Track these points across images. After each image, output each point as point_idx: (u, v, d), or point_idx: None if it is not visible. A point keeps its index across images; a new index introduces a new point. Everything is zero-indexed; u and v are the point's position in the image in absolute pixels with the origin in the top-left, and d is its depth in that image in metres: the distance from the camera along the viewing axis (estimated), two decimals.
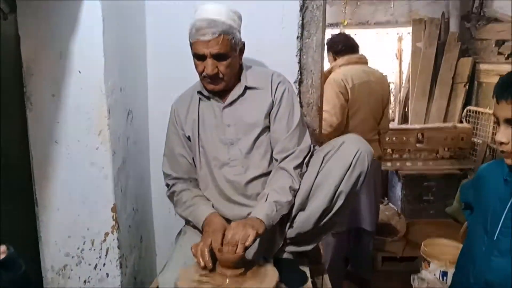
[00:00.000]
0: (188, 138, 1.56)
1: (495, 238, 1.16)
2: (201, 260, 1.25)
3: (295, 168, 1.45)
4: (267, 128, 1.52)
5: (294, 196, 1.44)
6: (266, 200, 1.38)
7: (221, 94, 1.51)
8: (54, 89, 1.48)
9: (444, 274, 2.61)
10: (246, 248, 1.25)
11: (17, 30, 1.46)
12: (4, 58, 1.45)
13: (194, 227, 1.52)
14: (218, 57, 1.39)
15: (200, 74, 1.45)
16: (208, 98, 1.53)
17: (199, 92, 1.54)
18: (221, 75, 1.43)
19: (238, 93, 1.50)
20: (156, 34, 1.83)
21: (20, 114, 1.51)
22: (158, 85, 1.87)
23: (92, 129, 1.51)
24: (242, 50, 1.49)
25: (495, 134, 3.34)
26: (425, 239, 2.85)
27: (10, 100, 1.49)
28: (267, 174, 1.51)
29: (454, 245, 2.80)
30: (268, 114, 1.50)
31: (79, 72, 1.47)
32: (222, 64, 1.41)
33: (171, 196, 1.60)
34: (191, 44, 1.42)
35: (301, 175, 1.47)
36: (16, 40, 1.47)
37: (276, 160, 1.50)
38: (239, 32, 1.46)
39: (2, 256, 0.83)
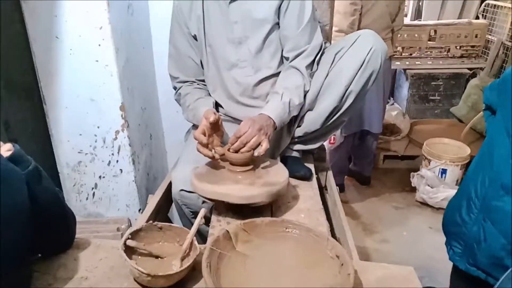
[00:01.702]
0: (194, 37, 1.46)
1: None
2: (205, 153, 1.23)
3: (307, 67, 1.40)
4: (277, 25, 1.42)
5: (305, 97, 1.41)
6: (281, 99, 1.33)
7: None
8: None
9: (443, 171, 2.71)
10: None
11: None
12: None
13: None
14: None
15: None
16: None
17: None
18: None
19: None
20: None
21: (16, 6, 1.41)
22: None
23: (93, 24, 1.43)
24: None
25: None
26: (427, 138, 2.90)
27: None
28: (276, 74, 1.46)
29: (455, 144, 2.86)
30: (278, 8, 1.39)
31: None
32: None
33: (178, 99, 1.55)
34: None
35: (312, 75, 1.42)
36: None
37: (287, 58, 1.43)
38: None
39: (9, 153, 0.83)
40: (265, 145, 1.20)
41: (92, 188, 1.69)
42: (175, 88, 1.55)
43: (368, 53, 1.34)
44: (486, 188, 1.22)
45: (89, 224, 1.65)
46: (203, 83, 1.54)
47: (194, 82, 1.52)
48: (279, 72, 1.45)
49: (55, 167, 1.65)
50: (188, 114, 1.48)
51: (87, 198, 1.71)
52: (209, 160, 1.27)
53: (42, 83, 1.52)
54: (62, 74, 1.51)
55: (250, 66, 1.43)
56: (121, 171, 1.66)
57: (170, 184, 1.45)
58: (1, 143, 0.85)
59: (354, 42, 1.38)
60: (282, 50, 1.45)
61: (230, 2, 1.39)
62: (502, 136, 1.19)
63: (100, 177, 1.67)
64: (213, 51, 1.45)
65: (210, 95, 1.52)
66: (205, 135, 1.20)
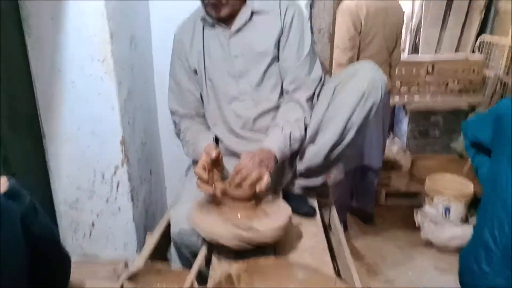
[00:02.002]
0: (195, 71, 1.46)
1: None
2: (205, 190, 1.20)
3: (307, 100, 1.39)
4: (277, 58, 1.42)
5: (306, 130, 1.38)
6: (282, 132, 1.31)
7: (226, 21, 1.38)
8: (52, 11, 1.36)
9: (447, 209, 2.65)
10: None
11: None
12: None
13: None
14: None
15: (203, 1, 1.34)
16: (212, 25, 1.40)
17: (203, 19, 1.41)
18: (224, 0, 1.31)
19: (244, 18, 1.37)
20: None
21: (19, 40, 1.40)
22: (160, 9, 1.75)
23: (95, 57, 1.41)
24: None
25: (511, 68, 3.24)
26: (429, 174, 2.86)
27: (7, 24, 1.38)
28: (277, 107, 1.44)
29: (458, 180, 2.82)
30: (278, 41, 1.39)
31: None
32: None
33: (178, 134, 1.53)
34: None
35: (312, 107, 1.41)
36: None
37: (287, 91, 1.42)
38: None
39: (3, 188, 0.79)
40: (266, 178, 1.16)
41: (89, 227, 1.63)
42: (174, 122, 1.53)
43: (368, 85, 1.31)
44: (506, 235, 1.15)
45: (85, 264, 1.58)
46: (203, 117, 1.52)
47: (194, 116, 1.50)
48: (279, 105, 1.44)
49: (52, 204, 1.60)
50: (188, 149, 1.45)
51: (83, 237, 1.64)
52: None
53: (43, 116, 1.49)
54: (63, 107, 1.48)
55: (250, 99, 1.42)
56: (119, 209, 1.61)
57: (169, 222, 1.40)
58: None
59: (353, 73, 1.36)
60: (282, 83, 1.44)
61: (230, 37, 1.39)
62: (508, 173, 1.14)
63: (97, 215, 1.62)
64: (214, 85, 1.44)
65: (209, 130, 1.50)
66: (205, 171, 1.17)
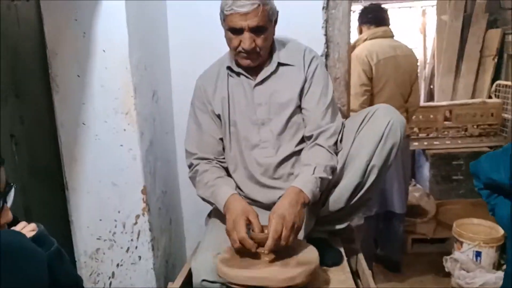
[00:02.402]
0: (218, 116, 1.47)
1: None
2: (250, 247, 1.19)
3: (333, 145, 1.38)
4: (299, 108, 1.43)
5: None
6: (313, 173, 1.28)
7: (252, 71, 1.42)
8: (79, 69, 1.46)
9: (478, 254, 2.54)
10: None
11: (40, 11, 1.44)
12: (28, 40, 1.43)
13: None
14: (256, 30, 1.29)
15: (235, 49, 1.34)
16: (238, 74, 1.43)
17: (229, 68, 1.43)
18: (258, 50, 1.33)
19: (270, 70, 1.40)
20: (178, 11, 1.79)
21: (46, 96, 1.49)
22: (181, 63, 1.83)
23: (119, 110, 1.48)
24: (276, 21, 1.38)
25: None
26: (455, 219, 2.76)
27: (36, 82, 1.47)
28: (297, 153, 1.44)
29: (486, 224, 2.72)
30: (301, 91, 1.42)
31: (103, 51, 1.43)
32: (259, 38, 1.31)
33: (193, 177, 1.48)
34: (225, 17, 1.30)
35: (337, 154, 1.40)
36: (39, 21, 1.45)
37: (309, 137, 1.41)
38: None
39: (33, 233, 0.82)
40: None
41: (109, 278, 1.62)
42: (190, 165, 1.48)
43: (386, 126, 1.33)
44: None
45: None
46: (222, 162, 1.49)
47: (213, 160, 1.47)
48: (299, 151, 1.44)
49: (73, 255, 1.60)
50: (205, 191, 1.40)
51: None
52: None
53: (66, 168, 1.54)
54: (86, 159, 1.53)
55: (271, 146, 1.43)
56: (140, 258, 1.60)
57: (189, 272, 1.37)
58: (25, 223, 0.83)
59: (371, 116, 1.38)
60: (303, 131, 1.44)
61: (255, 86, 1.42)
62: None
63: (118, 265, 1.61)
64: (237, 131, 1.45)
65: (228, 175, 1.49)
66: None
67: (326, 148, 1.36)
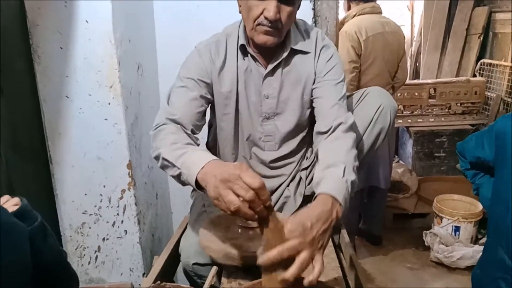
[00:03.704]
0: (207, 100, 1.29)
1: None
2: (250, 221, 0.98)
3: (354, 138, 1.23)
4: (308, 103, 1.34)
5: None
6: (343, 176, 1.05)
7: (264, 54, 1.27)
8: (61, 41, 1.41)
9: (457, 229, 2.62)
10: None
11: None
12: (7, 9, 1.37)
13: None
14: (285, 0, 1.15)
15: (254, 20, 1.17)
16: (252, 57, 1.27)
17: (242, 47, 1.27)
18: (280, 25, 1.17)
19: (282, 56, 1.27)
20: None
21: (28, 68, 1.45)
22: (166, 36, 1.80)
23: (103, 83, 1.45)
24: (299, 6, 1.24)
25: (511, 89, 3.26)
26: (436, 195, 2.83)
27: (17, 54, 1.42)
28: (297, 150, 1.40)
29: (466, 200, 2.80)
30: (311, 85, 1.30)
31: (86, 21, 1.39)
32: (285, 10, 1.15)
33: (155, 135, 1.17)
34: None
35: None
36: None
37: (325, 132, 1.24)
38: None
39: (15, 208, 0.81)
40: (318, 268, 0.87)
41: (95, 251, 1.63)
42: (158, 123, 1.20)
43: (377, 111, 1.31)
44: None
45: None
46: (196, 138, 1.23)
47: (189, 132, 1.20)
48: (301, 146, 1.40)
49: (58, 230, 1.60)
50: (171, 152, 1.08)
51: (89, 262, 1.63)
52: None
53: (50, 142, 1.51)
54: (70, 133, 1.51)
55: (274, 141, 1.37)
56: (126, 232, 1.61)
57: (175, 246, 1.38)
58: (8, 196, 0.82)
59: (363, 99, 1.36)
60: (308, 127, 1.37)
61: (265, 77, 1.29)
62: None
63: (104, 239, 1.61)
64: (240, 120, 1.35)
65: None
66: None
67: (350, 141, 1.19)
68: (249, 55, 1.28)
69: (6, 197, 0.84)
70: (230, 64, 1.28)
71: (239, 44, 1.27)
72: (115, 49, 1.41)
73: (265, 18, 1.15)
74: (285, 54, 1.27)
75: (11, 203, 0.81)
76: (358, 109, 1.36)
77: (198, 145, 1.19)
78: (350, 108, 1.35)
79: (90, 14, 1.39)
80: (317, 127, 1.27)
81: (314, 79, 1.30)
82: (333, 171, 1.06)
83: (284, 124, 1.34)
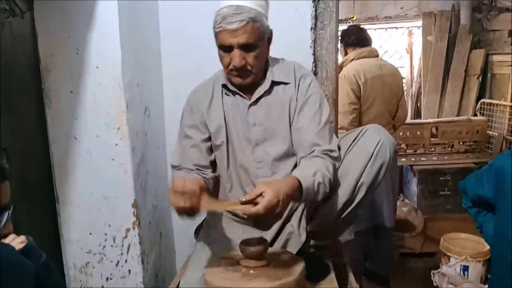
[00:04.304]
0: (209, 135, 1.44)
1: None
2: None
3: (331, 159, 1.32)
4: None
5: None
6: (314, 175, 1.21)
7: (246, 90, 1.40)
8: (72, 85, 1.49)
9: (465, 268, 2.57)
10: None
11: (34, 28, 1.48)
12: (21, 55, 1.46)
13: (215, 227, 1.47)
14: (246, 47, 1.27)
15: (226, 67, 1.33)
16: (233, 93, 1.41)
17: (224, 86, 1.42)
18: (249, 67, 1.31)
19: (264, 88, 1.38)
20: (170, 29, 1.83)
21: (39, 111, 1.52)
22: (173, 80, 1.87)
23: (111, 125, 1.51)
24: (270, 39, 1.37)
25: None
26: (443, 234, 2.80)
27: (29, 97, 1.50)
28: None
29: (473, 239, 2.76)
30: (294, 111, 1.39)
31: (97, 67, 1.47)
32: (250, 55, 1.29)
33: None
34: (216, 34, 1.29)
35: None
36: (33, 37, 1.49)
37: (306, 155, 1.34)
38: (267, 18, 1.32)
39: (22, 246, 0.83)
40: (267, 198, 1.06)
41: None
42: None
43: (376, 146, 1.35)
44: None
45: None
46: (203, 172, 1.41)
47: (193, 170, 1.39)
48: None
49: (62, 269, 1.60)
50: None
51: None
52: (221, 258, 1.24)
53: (57, 181, 1.55)
54: (78, 174, 1.55)
55: (267, 167, 1.42)
56: (129, 272, 1.61)
57: (178, 286, 1.38)
58: (15, 235, 0.85)
59: (361, 136, 1.40)
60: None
61: (250, 106, 1.39)
62: None
63: (107, 278, 1.61)
64: (233, 150, 1.43)
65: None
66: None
67: (325, 158, 1.30)
68: (232, 92, 1.41)
69: (12, 235, 0.87)
70: (216, 101, 1.43)
71: (221, 84, 1.42)
72: (123, 93, 1.48)
73: (233, 66, 1.30)
74: (267, 86, 1.38)
75: (18, 241, 0.84)
76: (357, 146, 1.40)
77: (204, 176, 1.38)
78: (346, 144, 1.41)
79: (100, 59, 1.47)
80: (298, 154, 1.38)
81: (295, 107, 1.39)
82: (306, 170, 1.24)
83: (274, 149, 1.40)
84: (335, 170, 1.33)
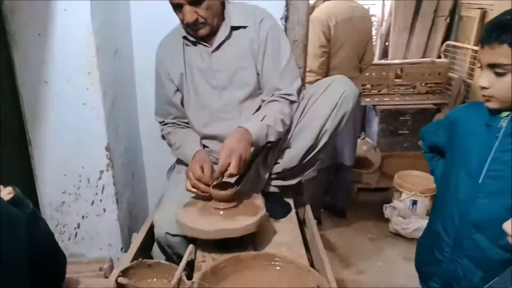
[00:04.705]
0: (177, 86, 1.54)
1: (480, 181, 1.20)
2: (200, 192, 1.32)
3: (287, 100, 1.47)
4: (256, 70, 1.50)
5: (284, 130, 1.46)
6: (262, 120, 1.38)
7: (206, 38, 1.46)
8: (39, 28, 1.44)
9: (414, 203, 2.83)
10: (238, 181, 1.33)
11: None
12: None
13: (186, 166, 1.56)
14: (194, 2, 1.34)
15: (182, 23, 1.40)
16: (194, 43, 1.48)
17: (185, 38, 1.48)
18: (202, 20, 1.38)
19: (224, 35, 1.45)
20: None
21: (5, 54, 1.48)
22: (142, 21, 1.83)
23: (82, 69, 1.50)
24: None
25: (473, 71, 3.44)
26: (398, 171, 3.03)
27: None
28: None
29: (424, 176, 3.00)
30: (256, 54, 1.47)
31: (65, 10, 1.42)
32: (200, 9, 1.36)
33: (163, 137, 1.63)
34: None
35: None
36: None
37: (268, 97, 1.49)
38: None
39: (10, 197, 0.88)
40: (233, 164, 1.25)
41: (75, 228, 1.71)
42: (161, 130, 1.63)
43: (340, 97, 1.44)
44: (457, 227, 1.27)
45: (71, 264, 1.64)
46: (184, 121, 1.59)
47: (175, 123, 1.60)
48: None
49: (38, 208, 1.67)
50: (176, 153, 1.56)
51: (69, 239, 1.72)
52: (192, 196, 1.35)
53: (29, 125, 1.56)
54: (49, 117, 1.56)
55: (233, 110, 1.50)
56: (105, 210, 1.70)
57: (152, 224, 1.48)
58: (2, 186, 0.89)
59: (327, 87, 1.48)
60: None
61: (212, 52, 1.46)
62: (463, 177, 1.26)
63: (83, 217, 1.70)
64: (199, 97, 1.52)
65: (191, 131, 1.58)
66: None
67: (280, 101, 1.45)
68: (193, 42, 1.47)
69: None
70: (177, 54, 1.49)
71: (182, 36, 1.47)
72: (93, 37, 1.45)
73: (186, 22, 1.37)
74: (226, 32, 1.45)
75: (6, 192, 0.88)
76: (323, 96, 1.48)
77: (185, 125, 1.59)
78: (313, 93, 1.49)
79: (69, 2, 1.42)
80: (262, 97, 1.51)
81: (257, 50, 1.46)
82: (255, 116, 1.42)
83: (240, 93, 1.49)
84: (292, 110, 1.47)
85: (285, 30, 1.83)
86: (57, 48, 1.47)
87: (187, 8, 1.34)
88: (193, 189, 1.33)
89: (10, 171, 1.57)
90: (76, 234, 1.72)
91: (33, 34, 1.45)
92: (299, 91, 1.50)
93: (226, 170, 1.26)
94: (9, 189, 0.90)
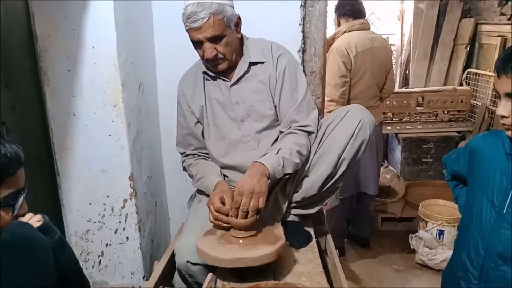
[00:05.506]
0: (198, 119, 1.59)
1: (504, 212, 1.18)
2: (222, 223, 1.35)
3: (305, 132, 1.49)
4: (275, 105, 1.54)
5: (301, 160, 1.47)
6: (276, 153, 1.40)
7: (226, 72, 1.51)
8: (69, 64, 1.54)
9: (441, 232, 2.75)
10: (258, 212, 1.33)
11: (27, 7, 1.50)
12: (17, 35, 1.49)
13: (207, 196, 1.57)
14: (213, 39, 1.38)
15: (203, 58, 1.45)
16: (214, 78, 1.54)
17: (205, 73, 1.54)
18: (221, 56, 1.43)
19: (243, 70, 1.50)
20: (163, 8, 1.86)
21: (37, 88, 1.57)
22: (165, 57, 1.92)
23: (108, 102, 1.57)
24: (238, 24, 1.46)
25: (495, 98, 3.40)
26: (422, 200, 2.97)
27: (26, 75, 1.55)
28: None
29: (450, 205, 2.92)
30: (273, 89, 1.51)
31: (93, 47, 1.52)
32: (220, 45, 1.40)
33: (185, 169, 1.66)
34: (187, 31, 1.41)
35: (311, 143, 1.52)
36: (27, 17, 1.51)
37: (285, 129, 1.52)
38: (231, 6, 1.42)
39: (39, 224, 0.93)
40: (262, 200, 1.30)
41: (99, 256, 1.75)
42: (182, 162, 1.66)
43: (357, 125, 1.47)
44: (482, 258, 1.24)
45: None
46: (204, 152, 1.62)
47: (196, 154, 1.63)
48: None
49: (64, 236, 1.71)
50: (197, 184, 1.58)
51: (93, 266, 1.75)
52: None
53: (57, 156, 1.63)
54: (77, 148, 1.63)
55: (252, 140, 1.54)
56: (128, 239, 1.73)
57: (173, 252, 1.49)
58: (32, 214, 0.94)
59: (344, 115, 1.51)
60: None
61: (231, 86, 1.51)
62: (486, 207, 1.23)
63: (107, 244, 1.73)
64: (218, 130, 1.56)
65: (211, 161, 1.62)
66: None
67: (297, 133, 1.47)
68: (213, 77, 1.53)
69: (29, 214, 0.96)
70: (198, 88, 1.56)
71: (202, 71, 1.54)
72: (119, 72, 1.53)
73: (206, 58, 1.42)
74: (245, 67, 1.50)
75: (35, 220, 0.93)
76: (340, 124, 1.51)
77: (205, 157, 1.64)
78: (331, 122, 1.52)
79: (96, 40, 1.51)
80: (280, 128, 1.54)
81: (275, 83, 1.51)
82: (270, 151, 1.45)
83: (258, 124, 1.53)
84: (309, 140, 1.50)
85: (303, 62, 1.88)
86: (85, 82, 1.56)
87: (207, 45, 1.39)
88: (216, 222, 1.36)
89: (39, 200, 1.64)
90: (100, 262, 1.75)
91: (63, 70, 1.54)
92: (316, 121, 1.53)
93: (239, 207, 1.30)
94: (39, 216, 0.95)
